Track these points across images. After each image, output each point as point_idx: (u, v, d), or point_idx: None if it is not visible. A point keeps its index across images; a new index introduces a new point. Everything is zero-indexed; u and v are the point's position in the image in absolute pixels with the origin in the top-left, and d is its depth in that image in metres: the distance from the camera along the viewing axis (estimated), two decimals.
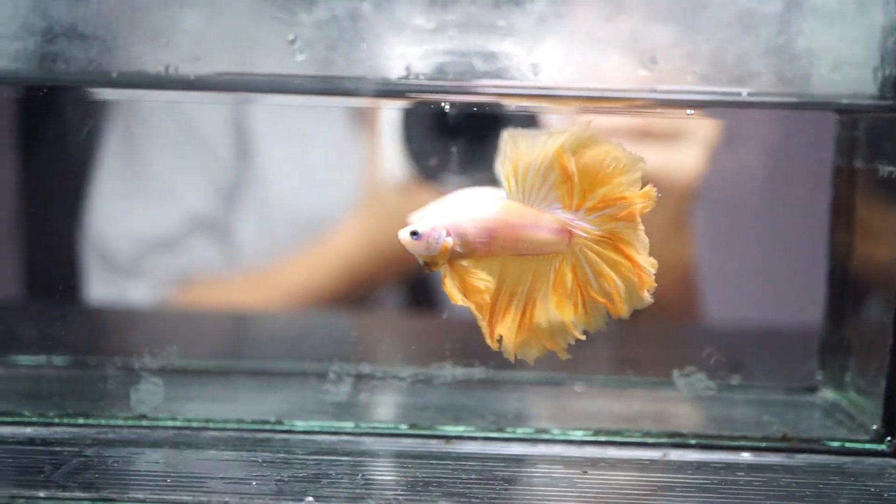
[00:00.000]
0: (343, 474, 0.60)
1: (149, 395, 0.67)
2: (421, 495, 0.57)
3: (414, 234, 0.55)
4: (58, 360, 0.76)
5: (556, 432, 0.67)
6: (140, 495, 0.55)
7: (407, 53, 0.63)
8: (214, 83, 0.62)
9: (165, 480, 0.58)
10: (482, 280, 0.56)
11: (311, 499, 0.55)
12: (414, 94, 0.63)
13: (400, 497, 0.57)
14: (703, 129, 0.93)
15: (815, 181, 0.76)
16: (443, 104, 0.62)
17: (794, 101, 0.61)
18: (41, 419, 0.66)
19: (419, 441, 0.66)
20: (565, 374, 0.77)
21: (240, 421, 0.67)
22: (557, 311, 0.57)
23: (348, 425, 0.67)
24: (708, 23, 0.61)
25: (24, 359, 0.76)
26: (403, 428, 0.67)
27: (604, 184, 0.55)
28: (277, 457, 0.62)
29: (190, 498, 0.55)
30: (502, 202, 0.56)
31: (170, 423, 0.66)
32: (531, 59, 0.62)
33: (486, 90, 0.62)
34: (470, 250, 0.56)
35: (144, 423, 0.66)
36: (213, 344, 0.86)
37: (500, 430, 0.67)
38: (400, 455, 0.64)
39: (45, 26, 0.61)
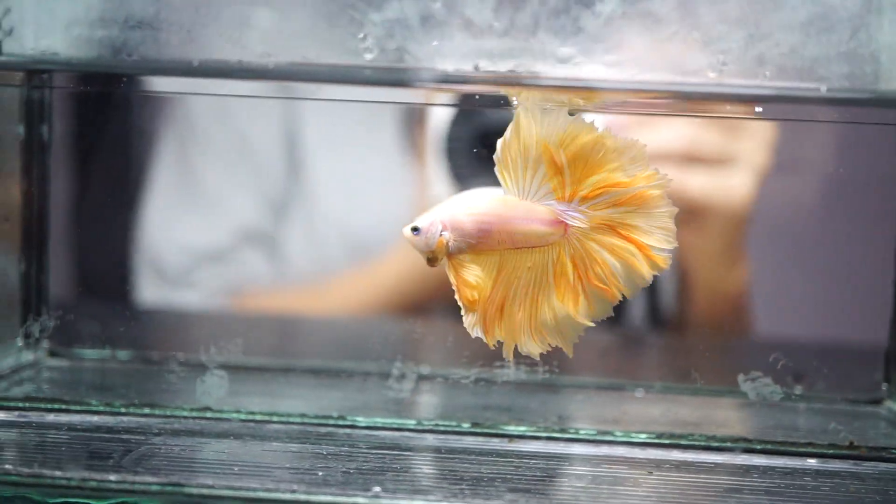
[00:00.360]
0: (408, 468, 0.60)
1: (213, 388, 0.68)
2: (486, 489, 0.57)
3: (415, 229, 0.57)
4: (122, 354, 0.77)
5: (618, 434, 0.66)
6: (209, 481, 0.56)
7: (476, 50, 0.63)
8: (287, 73, 0.62)
9: (233, 469, 0.58)
10: (475, 275, 0.57)
11: (378, 489, 0.55)
12: (482, 84, 0.64)
13: (465, 490, 0.57)
14: (753, 151, 0.92)
15: (883, 191, 0.75)
16: (512, 98, 0.63)
17: (867, 97, 0.60)
18: (108, 408, 0.67)
19: (481, 439, 0.66)
20: (625, 380, 0.77)
21: (303, 415, 0.67)
22: (560, 303, 0.57)
23: (410, 422, 0.67)
24: (783, 20, 0.61)
25: (89, 353, 0.77)
26: (465, 426, 0.67)
27: (596, 172, 0.56)
28: (342, 450, 0.62)
29: (258, 485, 0.55)
30: (498, 197, 0.58)
31: (234, 416, 0.67)
32: (602, 58, 0.62)
33: (554, 83, 0.62)
34: (468, 244, 0.57)
35: (209, 414, 0.67)
36: (272, 343, 0.87)
37: (563, 430, 0.66)
38: (463, 452, 0.64)
39: (123, 15, 0.62)
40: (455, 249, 0.57)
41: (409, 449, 0.64)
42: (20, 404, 0.67)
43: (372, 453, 0.62)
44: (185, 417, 0.67)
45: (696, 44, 0.62)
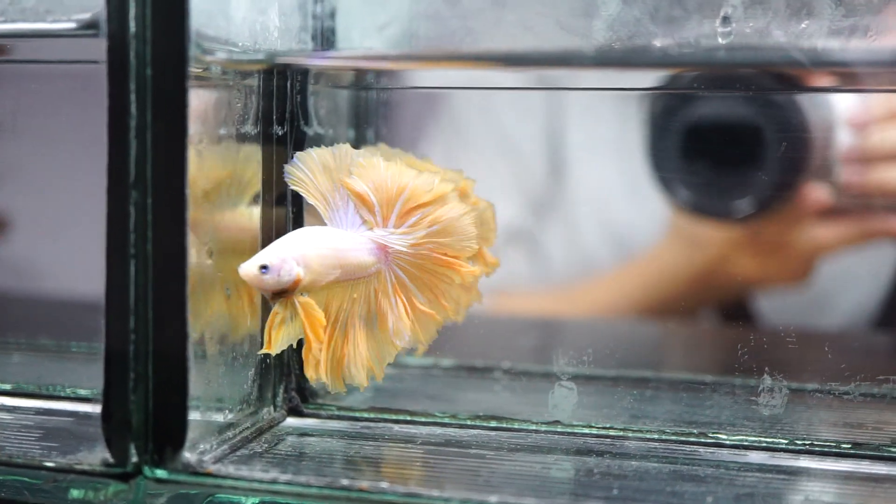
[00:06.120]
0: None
1: (563, 400, 0.64)
2: None
3: (263, 267, 0.53)
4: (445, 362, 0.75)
5: None
6: None
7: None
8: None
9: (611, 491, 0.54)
10: (320, 315, 0.55)
11: None
12: None
13: None
14: None
15: None
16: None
17: None
18: (453, 420, 0.64)
19: (864, 462, 0.59)
20: None
21: (661, 431, 0.62)
22: (381, 331, 0.57)
23: (781, 441, 0.61)
24: None
25: (413, 360, 0.75)
26: (846, 447, 0.60)
27: (400, 194, 0.55)
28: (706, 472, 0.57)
29: None
30: (329, 230, 0.56)
31: (585, 431, 0.63)
32: None
33: None
34: (313, 280, 0.55)
35: (559, 428, 0.63)
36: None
37: None
38: (847, 478, 0.58)
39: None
40: (303, 288, 0.55)
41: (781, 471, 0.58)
42: (364, 414, 0.65)
43: (744, 476, 0.57)
44: (535, 432, 0.63)
45: None
